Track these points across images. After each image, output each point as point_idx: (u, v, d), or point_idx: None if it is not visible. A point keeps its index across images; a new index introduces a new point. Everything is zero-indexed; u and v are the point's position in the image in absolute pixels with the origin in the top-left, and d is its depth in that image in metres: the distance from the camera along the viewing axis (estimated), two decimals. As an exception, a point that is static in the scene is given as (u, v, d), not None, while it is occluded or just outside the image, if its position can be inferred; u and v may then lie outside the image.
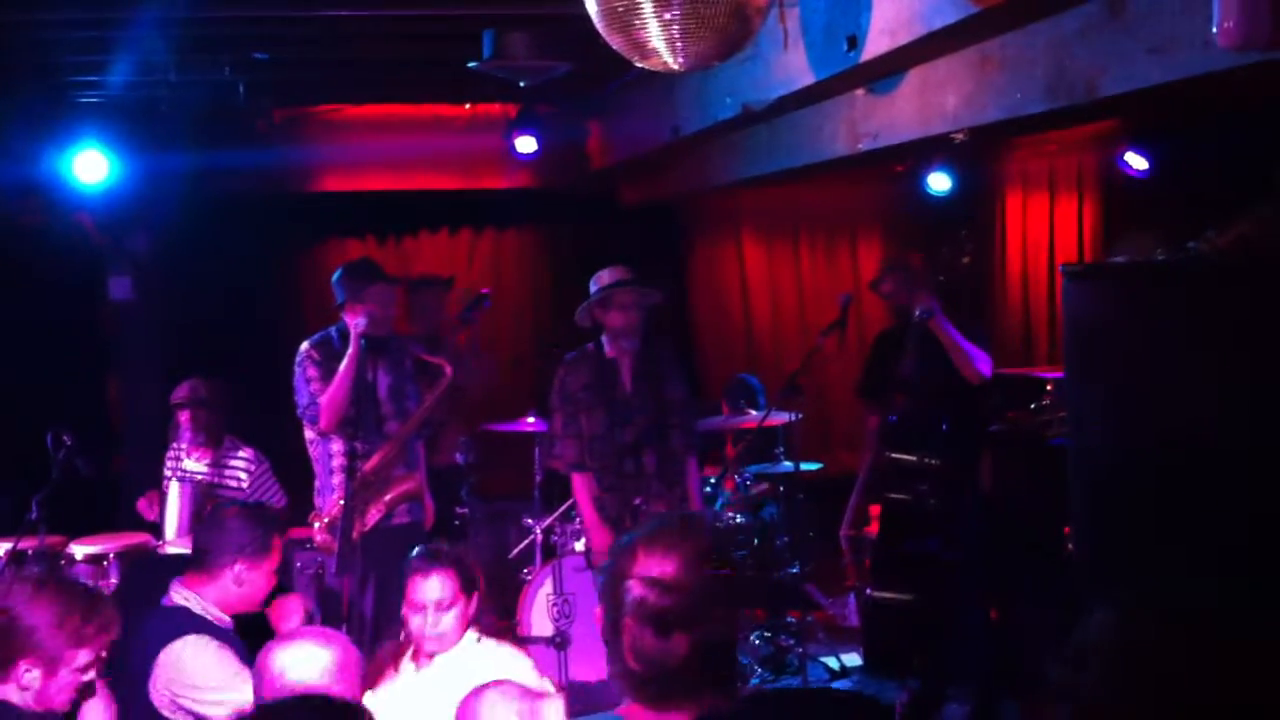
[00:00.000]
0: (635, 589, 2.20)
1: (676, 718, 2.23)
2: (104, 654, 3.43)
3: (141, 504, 6.75)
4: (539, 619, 6.72)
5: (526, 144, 8.02)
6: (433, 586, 3.93)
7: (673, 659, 2.17)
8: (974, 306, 8.58)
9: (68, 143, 7.16)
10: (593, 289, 6.01)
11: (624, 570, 2.24)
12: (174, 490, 6.62)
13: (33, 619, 3.33)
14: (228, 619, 4.05)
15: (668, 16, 3.65)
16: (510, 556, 7.40)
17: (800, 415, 7.06)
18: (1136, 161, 7.16)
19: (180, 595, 4.03)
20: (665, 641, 2.17)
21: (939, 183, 7.90)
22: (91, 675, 3.41)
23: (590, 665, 6.49)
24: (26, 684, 3.31)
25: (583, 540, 6.67)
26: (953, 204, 8.23)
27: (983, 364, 6.24)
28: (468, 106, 8.49)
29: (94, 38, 5.90)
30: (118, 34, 5.72)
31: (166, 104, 6.65)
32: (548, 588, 6.71)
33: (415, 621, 3.95)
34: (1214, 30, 2.71)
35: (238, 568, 4.03)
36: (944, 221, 8.06)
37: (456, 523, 7.09)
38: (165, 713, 3.85)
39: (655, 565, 2.20)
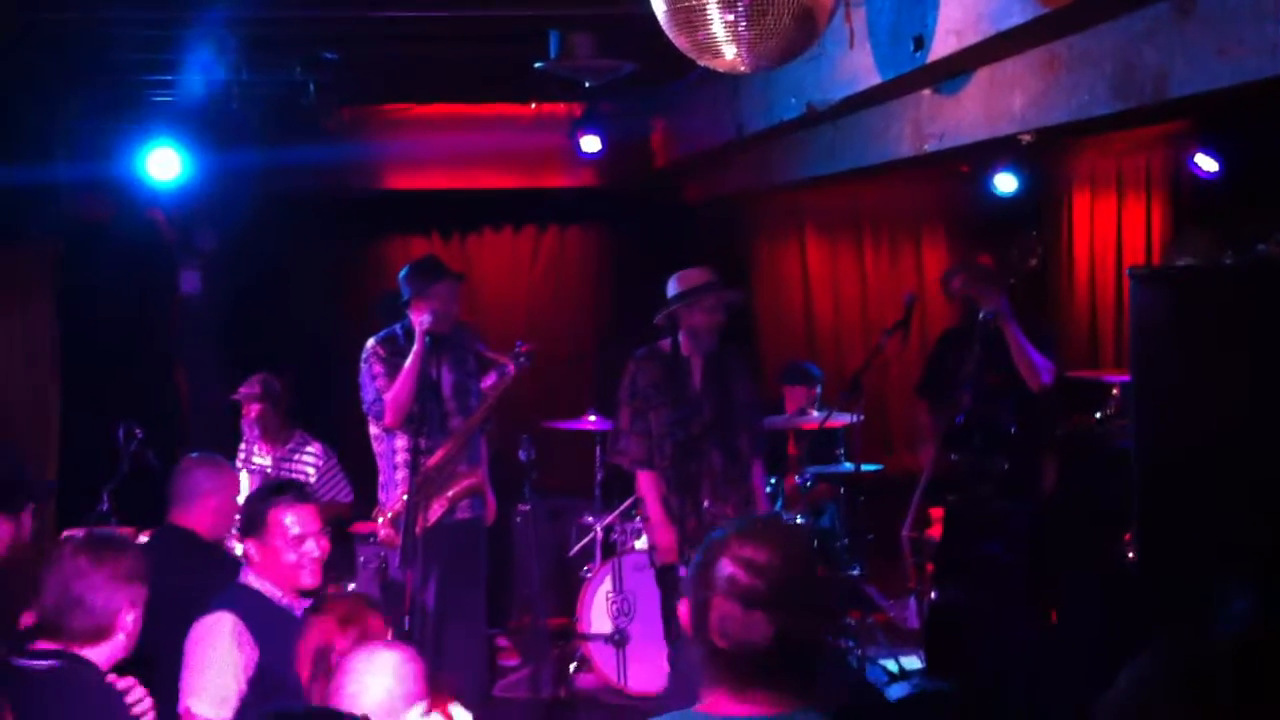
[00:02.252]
0: (727, 567, 2.27)
1: (757, 708, 2.27)
2: None
3: None
4: (598, 617, 6.76)
5: (591, 143, 8.06)
6: None
7: (757, 636, 2.23)
8: (1040, 309, 8.50)
9: (141, 140, 7.28)
10: (674, 288, 6.02)
11: (716, 554, 2.30)
12: (244, 481, 6.73)
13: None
14: (279, 593, 4.01)
15: (733, 17, 3.65)
16: (570, 554, 7.44)
17: (860, 416, 7.05)
18: (1206, 163, 7.06)
19: (247, 575, 4.07)
20: (750, 617, 2.23)
21: (1005, 183, 7.84)
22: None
23: (648, 663, 6.54)
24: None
25: (643, 538, 6.69)
26: (1019, 205, 8.17)
27: (1046, 374, 6.21)
28: (533, 105, 8.54)
29: (166, 37, 5.99)
30: (190, 34, 5.80)
31: (237, 102, 6.74)
32: (607, 585, 6.75)
33: None
34: (1286, 32, 2.68)
35: (249, 547, 4.03)
36: (1010, 222, 8.00)
37: (518, 519, 7.13)
38: None
39: (749, 550, 2.27)
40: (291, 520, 4.00)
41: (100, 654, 3.46)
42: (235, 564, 4.30)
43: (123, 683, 3.49)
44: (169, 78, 6.89)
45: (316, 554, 4.04)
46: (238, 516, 4.69)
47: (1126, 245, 8.34)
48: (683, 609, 2.34)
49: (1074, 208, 8.87)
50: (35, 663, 3.39)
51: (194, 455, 4.90)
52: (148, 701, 3.52)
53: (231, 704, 3.74)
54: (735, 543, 2.30)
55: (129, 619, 3.49)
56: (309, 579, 4.03)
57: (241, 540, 4.08)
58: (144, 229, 8.32)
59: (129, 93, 7.32)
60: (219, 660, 3.79)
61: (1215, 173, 7.07)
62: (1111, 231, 8.50)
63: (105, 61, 6.61)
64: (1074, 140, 7.46)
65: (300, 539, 4.00)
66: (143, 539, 6.16)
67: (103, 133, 7.40)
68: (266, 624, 3.89)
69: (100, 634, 3.43)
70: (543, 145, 8.61)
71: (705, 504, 5.91)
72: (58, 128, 7.33)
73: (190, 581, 4.37)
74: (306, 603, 4.02)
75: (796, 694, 2.28)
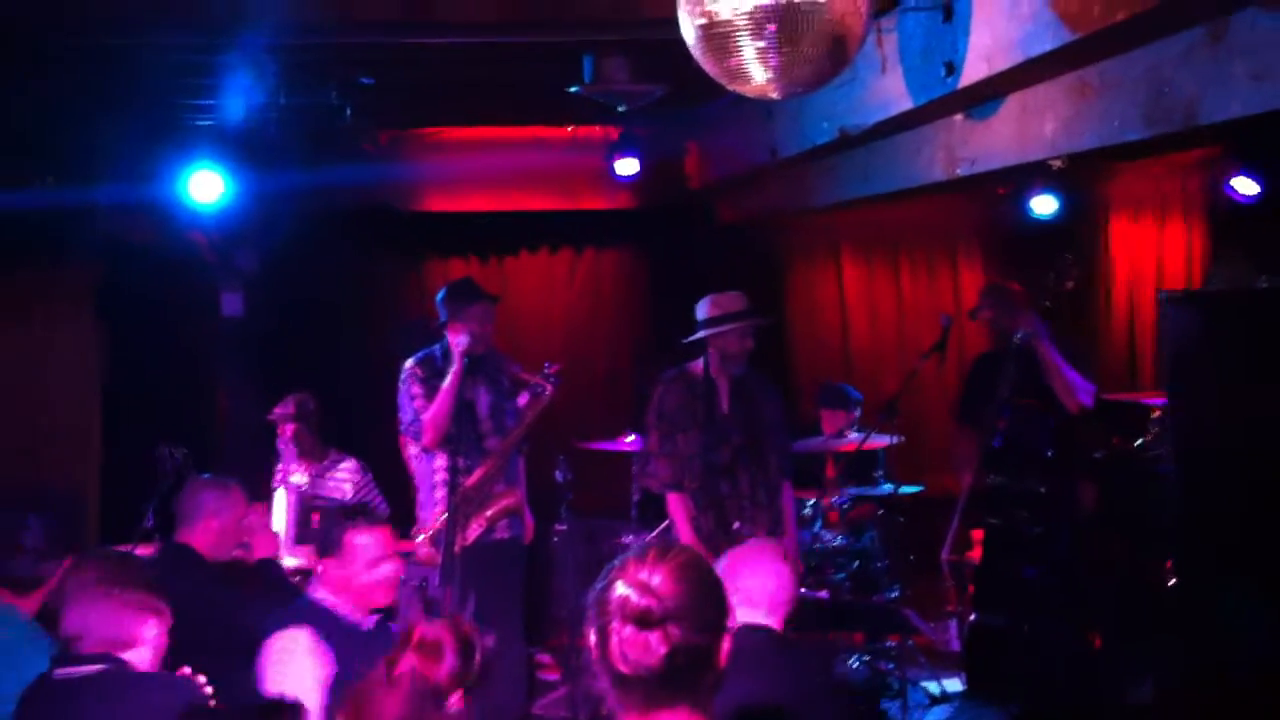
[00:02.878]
0: (620, 589, 2.31)
1: None
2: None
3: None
4: (636, 637, 6.73)
5: (627, 166, 8.07)
6: None
7: (653, 656, 2.26)
8: (1079, 331, 8.46)
9: (183, 164, 7.36)
10: (705, 312, 6.02)
11: (612, 580, 2.35)
12: (280, 500, 6.78)
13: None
14: (348, 609, 4.09)
15: (763, 45, 3.66)
16: (606, 575, 7.42)
17: (899, 438, 7.04)
18: (1245, 186, 7.02)
19: (316, 591, 4.16)
20: (645, 638, 2.26)
21: (1043, 205, 7.83)
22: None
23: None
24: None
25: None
26: (1056, 226, 8.15)
27: (1084, 394, 6.18)
28: (569, 128, 8.58)
29: (206, 63, 6.07)
30: (228, 60, 5.88)
31: (276, 127, 6.81)
32: (644, 607, 6.73)
33: None
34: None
35: (324, 566, 4.12)
36: (1048, 243, 7.98)
37: (555, 540, 7.14)
38: None
39: (643, 572, 2.32)
40: (369, 542, 4.10)
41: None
42: (239, 583, 4.37)
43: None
44: (209, 102, 6.97)
45: (391, 574, 4.16)
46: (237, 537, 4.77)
47: (1166, 268, 8.30)
48: (588, 639, 2.37)
49: (1112, 230, 8.83)
50: (81, 668, 3.43)
51: (204, 476, 5.02)
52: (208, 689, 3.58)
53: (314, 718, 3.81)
54: (631, 566, 2.34)
55: (150, 632, 3.53)
56: (383, 598, 4.16)
57: (318, 559, 4.17)
58: (185, 251, 8.40)
59: (170, 116, 7.40)
60: (296, 675, 3.87)
61: (1254, 196, 7.02)
62: (1151, 254, 8.47)
63: (147, 86, 6.70)
64: (1112, 163, 7.44)
65: (377, 561, 4.11)
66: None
67: (145, 156, 7.47)
68: (336, 639, 3.98)
69: (120, 646, 3.48)
70: (579, 167, 8.64)
71: (735, 525, 5.92)
72: (100, 151, 7.41)
73: (189, 597, 4.44)
74: (373, 619, 4.14)
75: (696, 699, 2.32)
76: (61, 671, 3.45)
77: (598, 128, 8.52)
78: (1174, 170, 7.94)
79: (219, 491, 4.86)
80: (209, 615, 4.35)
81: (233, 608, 4.57)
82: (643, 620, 2.27)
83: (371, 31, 5.60)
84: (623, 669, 2.28)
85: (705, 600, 2.34)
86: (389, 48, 5.98)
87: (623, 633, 2.28)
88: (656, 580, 2.30)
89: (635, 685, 2.29)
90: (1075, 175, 6.51)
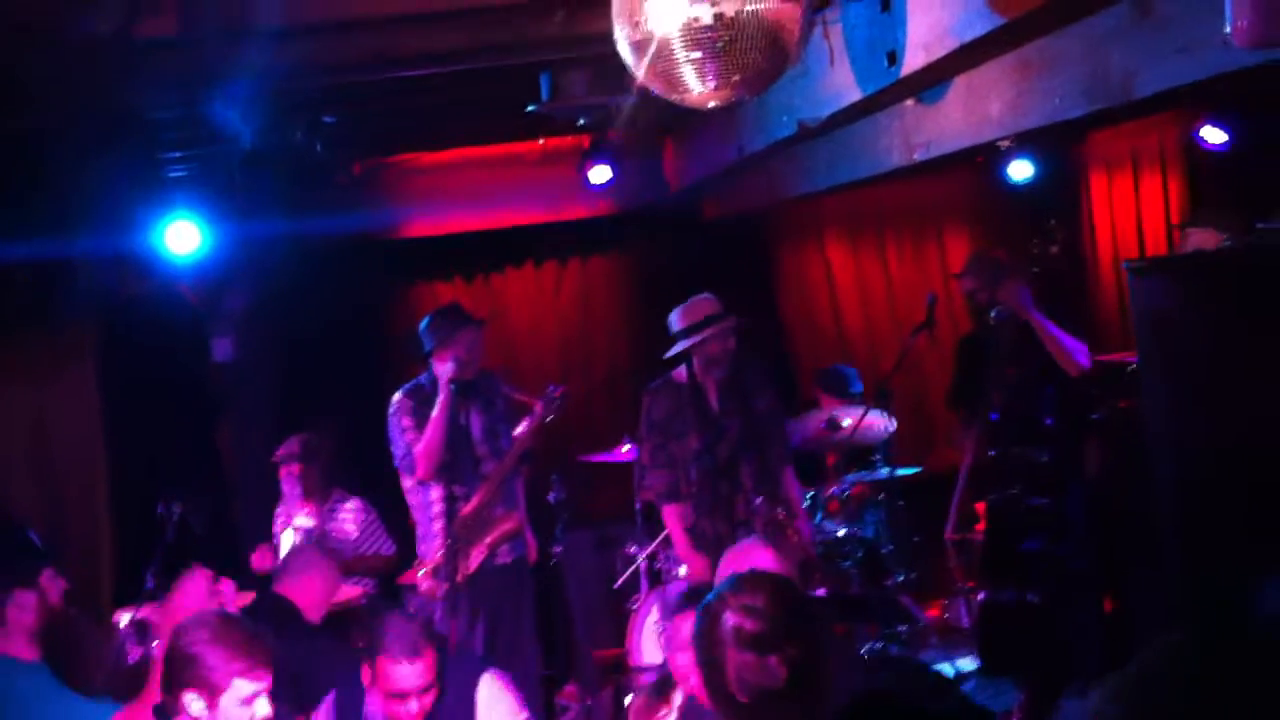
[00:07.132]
0: (731, 618, 2.33)
1: None
2: (268, 686, 3.52)
3: (255, 558, 6.89)
4: (649, 647, 6.74)
5: (600, 174, 8.04)
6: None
7: (774, 681, 2.28)
8: (1068, 296, 8.43)
9: (160, 214, 7.37)
10: (679, 323, 6.01)
11: (717, 612, 2.37)
12: (287, 541, 6.79)
13: (196, 648, 3.44)
14: None
15: (699, 55, 3.66)
16: (615, 586, 7.43)
17: (893, 421, 7.03)
18: (1214, 135, 6.99)
19: None
20: (765, 661, 2.27)
21: (1020, 170, 7.81)
22: (261, 710, 3.49)
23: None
24: (195, 714, 3.44)
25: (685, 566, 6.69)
26: (1038, 191, 8.12)
27: (1081, 355, 6.16)
28: (541, 141, 8.57)
29: (177, 118, 6.09)
30: (196, 112, 5.90)
31: (247, 171, 6.82)
32: (654, 615, 6.75)
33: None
34: (1227, 29, 2.67)
35: None
36: (1031, 210, 7.95)
37: (553, 562, 7.13)
38: None
39: (746, 598, 2.35)
40: None
41: None
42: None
43: None
44: (182, 153, 6.99)
45: None
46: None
47: (1146, 223, 8.27)
48: (694, 679, 2.38)
49: (1092, 189, 8.81)
50: None
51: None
52: None
53: None
54: (731, 596, 2.36)
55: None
56: None
57: None
58: (174, 300, 8.42)
59: (147, 167, 7.42)
60: None
61: (1223, 144, 6.99)
62: (1131, 210, 8.44)
63: (122, 142, 6.72)
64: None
65: None
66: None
67: (125, 209, 7.49)
68: None
69: None
70: (555, 179, 8.61)
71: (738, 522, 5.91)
72: (80, 204, 7.43)
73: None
74: None
75: (814, 712, 2.33)
76: None
77: (569, 138, 8.50)
78: (1147, 126, 7.90)
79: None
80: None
81: None
82: (760, 645, 2.29)
83: (341, 73, 5.61)
84: (741, 698, 2.30)
85: (809, 613, 2.41)
86: (349, 86, 5.98)
87: (739, 659, 2.29)
88: (760, 601, 2.33)
89: (750, 713, 2.30)
90: (1047, 138, 6.50)
